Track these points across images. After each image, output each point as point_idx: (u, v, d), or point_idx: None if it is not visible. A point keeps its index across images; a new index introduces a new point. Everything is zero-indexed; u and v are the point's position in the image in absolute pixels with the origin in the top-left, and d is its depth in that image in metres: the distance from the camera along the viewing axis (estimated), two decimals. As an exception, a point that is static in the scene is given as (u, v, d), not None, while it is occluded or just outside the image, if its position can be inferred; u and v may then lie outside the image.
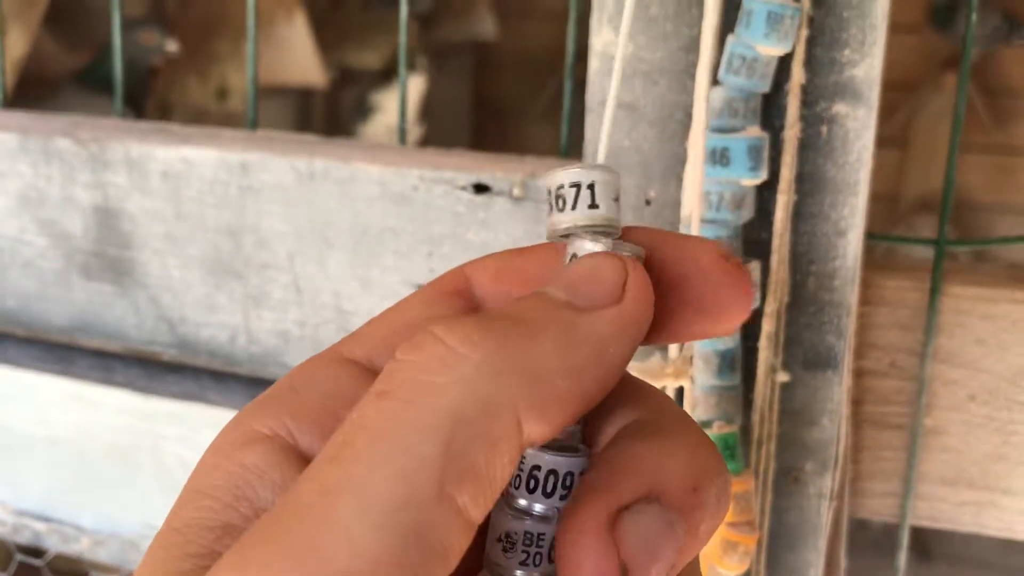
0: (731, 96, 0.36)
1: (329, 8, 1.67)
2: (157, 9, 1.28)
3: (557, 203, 0.19)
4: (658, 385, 0.35)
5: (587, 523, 0.17)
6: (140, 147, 0.47)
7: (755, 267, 0.37)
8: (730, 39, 0.36)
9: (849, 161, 0.37)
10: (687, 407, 0.37)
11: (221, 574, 0.15)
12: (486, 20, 1.85)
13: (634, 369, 0.36)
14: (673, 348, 0.38)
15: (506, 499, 0.18)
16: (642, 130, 0.39)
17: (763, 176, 0.36)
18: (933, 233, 0.42)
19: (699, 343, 0.37)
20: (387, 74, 1.64)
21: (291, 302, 0.46)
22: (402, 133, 0.47)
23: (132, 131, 0.49)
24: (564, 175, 0.19)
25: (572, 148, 0.46)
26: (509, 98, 1.96)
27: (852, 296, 0.38)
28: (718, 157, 0.36)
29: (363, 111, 1.66)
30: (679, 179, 0.39)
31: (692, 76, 0.38)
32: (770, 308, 0.37)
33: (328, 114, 1.70)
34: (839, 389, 0.39)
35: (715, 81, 0.36)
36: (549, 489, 0.18)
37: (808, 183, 0.37)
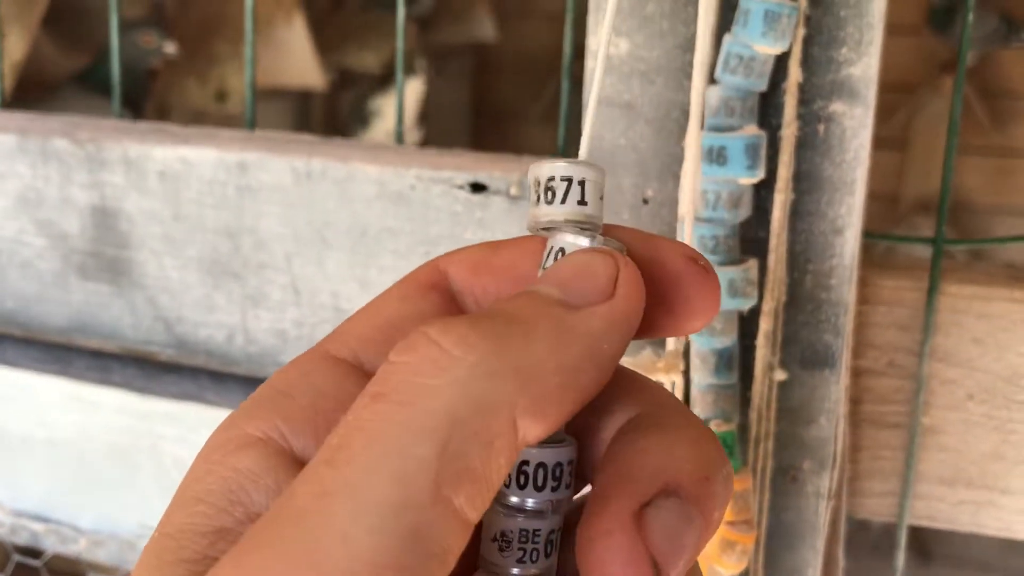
0: (728, 95, 0.36)
1: (328, 10, 1.67)
2: (156, 11, 1.28)
3: (545, 195, 0.19)
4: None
5: (612, 523, 0.17)
6: (138, 147, 0.47)
7: (753, 265, 0.37)
8: (727, 38, 0.36)
9: (846, 160, 0.37)
10: (685, 406, 0.37)
11: (222, 572, 0.15)
12: (485, 22, 1.85)
13: (624, 363, 0.36)
14: (670, 341, 0.38)
15: (497, 498, 0.18)
16: (639, 129, 0.39)
17: (760, 175, 0.36)
18: (932, 234, 0.42)
19: (696, 342, 0.37)
20: (386, 79, 1.64)
21: (289, 302, 0.46)
22: (399, 133, 0.47)
23: (130, 131, 0.49)
24: (555, 168, 0.19)
25: (570, 148, 0.46)
26: (508, 100, 1.96)
27: (850, 295, 0.38)
28: (715, 156, 0.36)
29: (363, 116, 1.66)
30: (676, 178, 0.39)
31: (689, 75, 0.38)
32: (767, 307, 0.37)
33: (327, 116, 1.71)
34: (837, 388, 0.39)
35: (712, 80, 0.36)
36: (540, 483, 0.18)
37: (805, 182, 0.37)
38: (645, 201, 0.40)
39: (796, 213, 0.38)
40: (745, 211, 0.37)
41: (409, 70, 1.63)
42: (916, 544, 1.43)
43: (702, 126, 0.36)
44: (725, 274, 0.36)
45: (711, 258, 0.36)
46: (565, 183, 0.19)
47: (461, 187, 0.42)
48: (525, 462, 0.18)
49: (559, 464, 0.18)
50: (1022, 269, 0.43)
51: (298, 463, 0.18)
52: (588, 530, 0.17)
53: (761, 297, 0.38)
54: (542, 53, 1.79)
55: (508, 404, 0.16)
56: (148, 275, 0.48)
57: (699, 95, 0.36)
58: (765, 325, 0.37)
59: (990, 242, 0.50)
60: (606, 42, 0.20)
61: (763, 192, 0.37)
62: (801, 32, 0.36)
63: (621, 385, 0.19)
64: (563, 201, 0.19)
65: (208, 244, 0.46)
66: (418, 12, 1.73)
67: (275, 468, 0.18)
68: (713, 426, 0.37)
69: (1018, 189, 1.64)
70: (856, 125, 0.37)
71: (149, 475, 0.50)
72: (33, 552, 0.59)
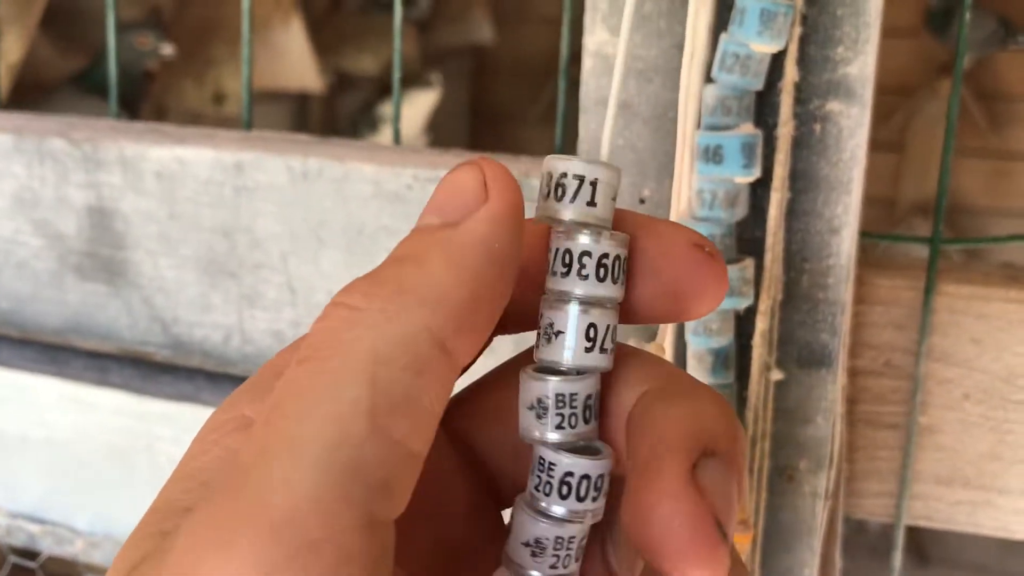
0: (724, 94, 0.36)
1: (326, 13, 1.67)
2: (154, 13, 1.28)
3: (556, 191, 0.19)
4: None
5: (672, 487, 0.17)
6: (134, 147, 0.47)
7: (749, 264, 0.37)
8: (723, 37, 0.36)
9: (843, 159, 0.37)
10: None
11: (176, 539, 0.16)
12: (483, 25, 1.85)
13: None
14: (666, 343, 0.38)
15: (533, 505, 0.19)
16: (636, 128, 0.39)
17: (756, 174, 0.36)
18: (930, 235, 0.42)
19: (693, 341, 0.37)
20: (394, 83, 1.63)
21: (285, 302, 0.46)
22: (396, 133, 0.47)
23: (126, 131, 0.49)
24: (568, 165, 0.19)
25: (567, 148, 0.46)
26: (507, 103, 1.96)
27: (846, 294, 0.38)
28: (711, 155, 0.36)
29: (371, 122, 1.66)
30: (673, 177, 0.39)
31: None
32: (764, 306, 0.37)
33: (325, 119, 1.71)
34: (833, 387, 0.39)
35: (708, 79, 0.36)
36: (583, 493, 0.18)
37: (801, 181, 0.37)
38: (642, 201, 0.40)
39: (792, 212, 0.38)
40: (741, 210, 0.37)
41: (424, 82, 1.63)
42: (913, 546, 1.43)
43: (696, 125, 0.36)
44: (722, 273, 0.36)
45: (708, 257, 0.36)
46: (576, 181, 0.19)
47: (458, 187, 0.42)
48: (569, 473, 0.18)
49: (601, 476, 0.18)
50: (1019, 269, 0.43)
51: None
52: (647, 496, 0.17)
53: (757, 296, 0.37)
54: (540, 56, 1.79)
55: (426, 330, 0.17)
56: (144, 275, 0.48)
57: (686, 92, 0.36)
58: (761, 324, 0.37)
59: (986, 241, 0.50)
60: (625, 42, 0.20)
61: (759, 191, 0.37)
62: (797, 31, 0.36)
63: (626, 363, 0.19)
64: (572, 200, 0.19)
65: (204, 244, 0.46)
66: (416, 15, 1.73)
67: None
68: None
69: (1015, 191, 1.64)
70: (852, 124, 0.37)
71: (145, 476, 0.50)
72: (29, 553, 0.59)
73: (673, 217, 0.38)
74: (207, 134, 0.48)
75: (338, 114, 1.71)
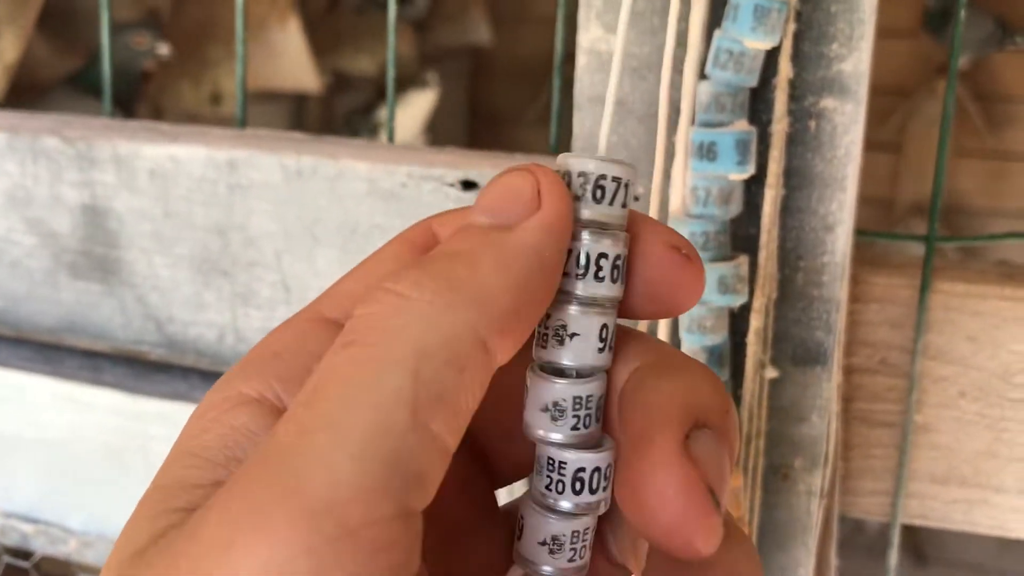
0: (718, 90, 0.36)
1: (323, 13, 1.67)
2: (151, 14, 1.28)
3: (595, 193, 0.19)
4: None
5: (665, 457, 0.17)
6: (128, 145, 0.46)
7: (743, 262, 0.37)
8: (717, 33, 0.35)
9: (837, 156, 0.37)
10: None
11: (210, 514, 0.16)
12: (480, 25, 1.85)
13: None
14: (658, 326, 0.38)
15: (547, 505, 0.19)
16: (630, 125, 0.39)
17: (750, 170, 0.36)
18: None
19: (687, 339, 0.37)
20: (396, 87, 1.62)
21: (279, 300, 0.45)
22: (390, 131, 0.47)
23: (120, 130, 0.49)
24: (586, 164, 0.19)
25: (562, 146, 0.46)
26: (504, 103, 1.96)
27: (841, 291, 0.38)
28: (705, 151, 0.36)
29: (371, 127, 1.66)
30: (667, 174, 0.39)
31: (680, 70, 0.38)
32: (758, 303, 0.37)
33: (323, 119, 1.70)
34: (828, 385, 0.39)
35: (702, 75, 0.36)
36: (595, 485, 0.19)
37: (796, 178, 0.37)
38: (636, 198, 0.40)
39: (787, 209, 0.37)
40: (735, 207, 0.37)
41: (422, 83, 1.63)
42: (911, 545, 1.43)
43: (677, 122, 0.36)
44: (715, 270, 0.36)
45: (702, 254, 0.36)
46: (600, 181, 0.19)
47: (452, 184, 0.42)
48: (581, 468, 0.19)
49: (609, 465, 0.19)
50: (1014, 266, 0.43)
51: None
52: (641, 468, 0.18)
53: (752, 294, 0.37)
54: (538, 56, 1.79)
55: (472, 329, 0.17)
56: (138, 274, 0.48)
57: (666, 88, 0.36)
58: (756, 322, 0.37)
59: (981, 240, 0.49)
60: (621, 40, 0.20)
61: (753, 188, 0.37)
62: (791, 27, 0.36)
63: (619, 341, 0.20)
64: (603, 201, 0.19)
65: (198, 242, 0.46)
66: (413, 15, 1.73)
67: (270, 426, 0.18)
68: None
69: (1013, 192, 1.64)
70: (847, 121, 0.36)
71: (140, 475, 0.50)
72: (23, 553, 0.59)
73: (663, 215, 0.38)
74: (200, 132, 0.48)
75: (335, 114, 1.71)
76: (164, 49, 1.17)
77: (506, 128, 1.96)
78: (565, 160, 0.19)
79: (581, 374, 0.19)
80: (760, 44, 0.35)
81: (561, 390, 0.19)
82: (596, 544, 0.20)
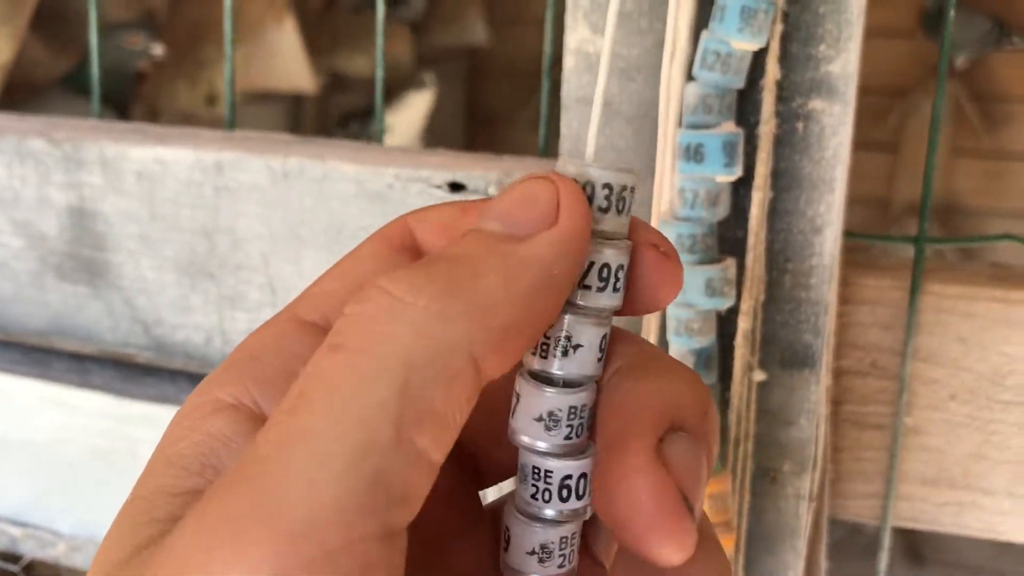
0: (705, 92, 0.35)
1: (320, 13, 1.66)
2: (146, 15, 1.28)
3: (618, 204, 0.18)
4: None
5: (638, 461, 0.17)
6: (114, 147, 0.46)
7: (731, 264, 0.37)
8: (704, 34, 0.35)
9: (825, 157, 0.37)
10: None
11: (186, 529, 0.15)
12: (477, 26, 1.85)
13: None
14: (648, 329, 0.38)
15: (534, 515, 0.19)
16: (618, 127, 0.39)
17: (738, 173, 0.36)
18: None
19: (675, 342, 0.37)
20: (391, 92, 1.62)
21: (266, 303, 0.45)
22: (380, 132, 0.47)
23: (107, 131, 0.48)
24: (619, 176, 0.18)
25: (550, 147, 0.46)
26: (501, 104, 1.96)
27: (830, 294, 0.38)
28: (692, 153, 0.35)
29: (370, 134, 1.65)
30: (639, 176, 0.38)
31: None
32: (746, 306, 0.37)
33: (319, 120, 1.70)
34: (817, 388, 0.39)
35: (690, 77, 0.36)
36: (581, 491, 0.18)
37: (784, 180, 0.37)
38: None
39: (775, 211, 0.37)
40: (723, 210, 0.36)
41: (419, 84, 1.62)
42: (908, 547, 1.43)
43: (676, 124, 0.36)
44: (703, 273, 0.36)
45: (689, 257, 0.36)
46: (606, 190, 0.18)
47: (439, 186, 0.42)
48: (568, 476, 0.18)
49: (591, 469, 0.19)
50: (1005, 268, 0.43)
51: None
52: (614, 472, 0.17)
53: (739, 297, 0.37)
54: (534, 57, 1.79)
55: (464, 342, 0.16)
56: (125, 276, 0.48)
57: (676, 93, 0.36)
58: (744, 325, 0.37)
59: (972, 241, 0.49)
60: (609, 41, 0.20)
61: (741, 190, 0.37)
62: (779, 28, 0.36)
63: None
64: (603, 210, 0.18)
65: (185, 244, 0.46)
66: (410, 16, 1.72)
67: (247, 432, 0.18)
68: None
69: (1010, 192, 1.64)
70: (835, 123, 0.36)
71: (128, 478, 0.50)
72: (11, 557, 0.59)
73: (656, 214, 0.38)
74: (188, 134, 0.48)
75: (332, 115, 1.71)
76: (158, 50, 1.17)
77: (502, 129, 1.96)
78: (567, 167, 0.18)
79: (577, 383, 0.18)
80: (747, 45, 0.35)
81: (557, 400, 0.18)
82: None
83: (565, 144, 0.40)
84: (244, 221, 0.45)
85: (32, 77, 1.14)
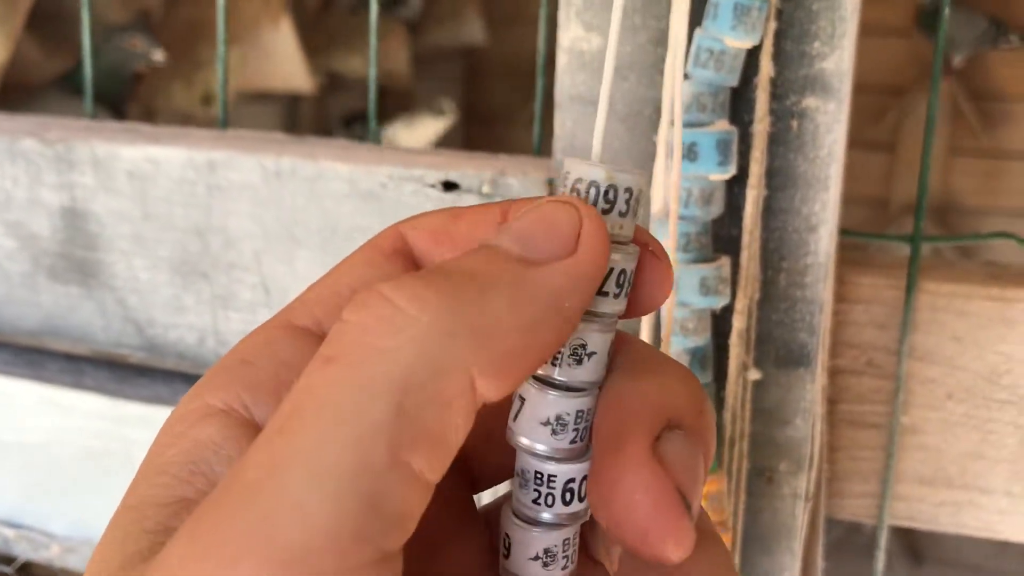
0: (699, 90, 0.35)
1: (316, 13, 1.66)
2: (142, 16, 1.28)
3: (633, 207, 0.18)
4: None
5: (634, 461, 0.17)
6: (106, 147, 0.46)
7: (725, 263, 0.36)
8: (698, 32, 0.35)
9: (820, 155, 0.36)
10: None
11: (174, 551, 0.15)
12: (475, 26, 1.84)
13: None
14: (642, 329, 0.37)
15: (537, 520, 0.18)
16: (611, 125, 0.39)
17: (732, 171, 0.36)
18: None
19: (670, 341, 0.37)
20: (391, 94, 1.61)
21: (259, 303, 0.45)
22: (375, 132, 0.47)
23: (98, 131, 0.48)
24: (627, 179, 0.18)
25: (544, 146, 0.46)
26: (498, 104, 1.96)
27: (825, 292, 0.38)
28: (686, 152, 0.35)
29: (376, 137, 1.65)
30: (650, 175, 0.38)
31: (661, 70, 0.37)
32: (741, 305, 0.37)
33: (317, 120, 1.70)
34: (812, 387, 0.38)
35: (684, 75, 0.36)
36: (583, 493, 0.18)
37: (778, 178, 0.37)
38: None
39: (769, 210, 0.37)
40: (717, 208, 0.36)
41: (436, 109, 1.62)
42: (907, 546, 1.43)
43: (670, 123, 0.36)
44: (697, 272, 0.36)
45: (683, 256, 0.36)
46: (602, 190, 0.18)
47: (433, 185, 0.41)
48: (571, 479, 0.18)
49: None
50: (1001, 266, 0.43)
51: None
52: (610, 472, 0.17)
53: (734, 295, 0.37)
54: (532, 57, 1.79)
55: (465, 364, 0.15)
56: (118, 276, 0.48)
57: (670, 89, 0.36)
58: (738, 324, 0.37)
59: (967, 239, 0.49)
60: (614, 40, 0.20)
61: (736, 189, 0.37)
62: (772, 26, 0.35)
63: None
64: (621, 213, 0.18)
65: (178, 244, 0.46)
66: (407, 15, 1.72)
67: (237, 438, 0.18)
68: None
69: (1008, 191, 1.64)
70: (830, 120, 0.36)
71: (122, 479, 0.50)
72: (5, 559, 0.58)
73: (652, 214, 0.37)
74: (180, 133, 0.48)
75: (331, 116, 1.70)
76: (159, 55, 1.17)
77: (500, 128, 1.95)
78: (574, 166, 0.18)
79: (585, 387, 0.18)
80: (741, 43, 0.35)
81: (566, 404, 0.18)
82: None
83: (559, 143, 0.40)
84: (237, 220, 0.44)
85: (28, 77, 1.14)
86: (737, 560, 0.40)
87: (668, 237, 0.36)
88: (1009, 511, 0.42)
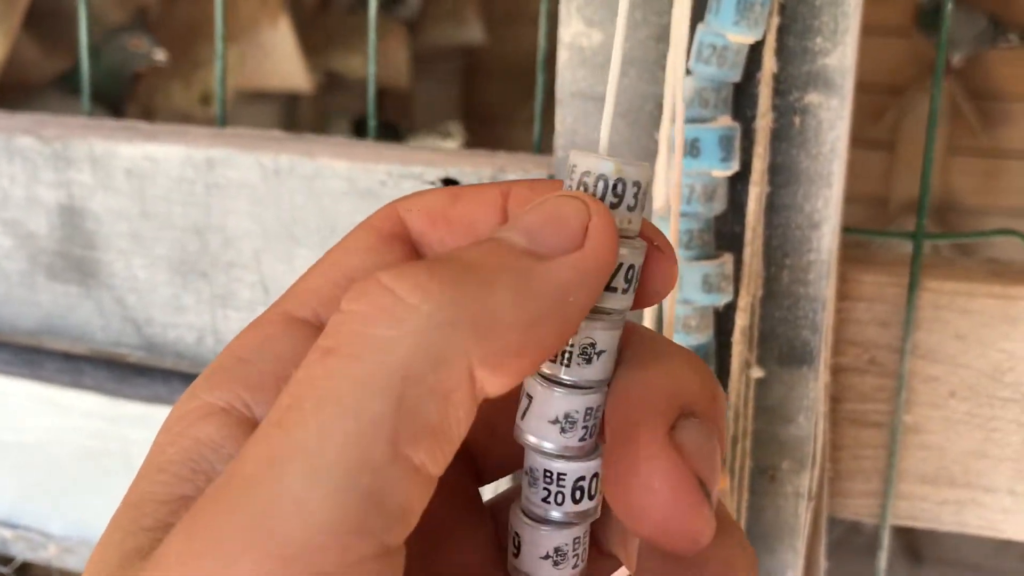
0: (702, 86, 0.35)
1: (315, 12, 1.66)
2: (141, 15, 1.27)
3: (641, 200, 0.18)
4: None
5: (652, 449, 0.16)
6: (104, 144, 0.46)
7: (728, 260, 0.36)
8: (700, 27, 0.35)
9: (823, 152, 0.36)
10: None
11: (172, 548, 0.15)
12: (474, 25, 1.84)
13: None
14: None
15: (548, 519, 0.18)
16: (613, 121, 0.38)
17: (734, 167, 0.35)
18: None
19: (673, 338, 0.36)
20: (392, 95, 1.61)
21: (258, 301, 0.45)
22: (371, 129, 0.47)
23: (96, 129, 0.48)
24: (597, 164, 0.17)
25: (544, 143, 0.45)
26: (498, 102, 1.96)
27: (827, 290, 0.38)
28: (688, 148, 0.35)
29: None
30: (652, 171, 0.38)
31: (663, 66, 0.37)
32: (743, 302, 0.37)
33: (315, 120, 1.70)
34: (815, 385, 0.38)
35: (686, 71, 0.35)
36: (593, 491, 0.18)
37: (781, 174, 0.37)
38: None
39: (772, 207, 0.37)
40: (720, 204, 0.36)
41: (443, 131, 1.62)
42: (907, 545, 1.43)
43: (673, 119, 0.35)
44: (700, 269, 0.35)
45: (685, 253, 0.35)
46: (610, 184, 0.17)
47: (432, 183, 0.41)
48: (582, 478, 0.18)
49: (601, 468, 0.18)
50: (1003, 264, 0.43)
51: None
52: (627, 463, 0.17)
53: (737, 293, 0.37)
54: (531, 55, 1.78)
55: (465, 356, 0.15)
56: (116, 275, 0.47)
57: (672, 85, 0.35)
58: (741, 321, 0.37)
59: (969, 236, 0.49)
60: (621, 36, 0.19)
61: (738, 185, 0.36)
62: (775, 21, 0.35)
63: None
64: (630, 208, 0.18)
65: (176, 242, 0.46)
66: (406, 15, 1.72)
67: (237, 436, 0.17)
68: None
69: (1007, 190, 1.64)
70: (832, 117, 0.36)
71: (120, 479, 0.49)
72: (3, 559, 0.58)
73: (655, 210, 0.37)
74: (178, 131, 0.47)
75: (329, 116, 1.70)
76: (160, 55, 1.16)
77: (500, 127, 1.95)
78: (580, 159, 0.18)
79: (594, 385, 0.18)
80: (743, 38, 0.34)
81: (575, 402, 0.18)
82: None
83: (560, 139, 0.40)
84: (235, 219, 0.44)
85: (26, 77, 1.14)
86: (739, 559, 0.39)
87: (670, 234, 0.35)
88: (1013, 510, 0.42)
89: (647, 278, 0.18)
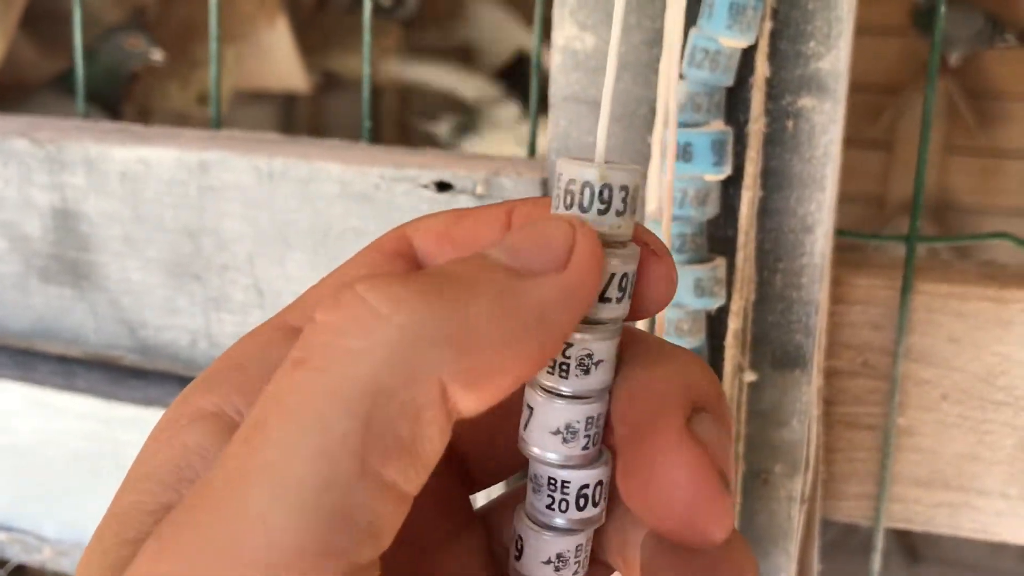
0: (694, 90, 0.35)
1: (312, 12, 1.66)
2: (137, 15, 1.27)
3: (631, 205, 0.18)
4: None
5: (672, 440, 0.16)
6: (97, 147, 0.46)
7: (721, 264, 0.36)
8: (693, 32, 0.35)
9: (816, 156, 0.36)
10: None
11: (140, 568, 0.15)
12: (473, 26, 1.84)
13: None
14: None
15: (551, 525, 0.18)
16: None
17: (727, 171, 0.35)
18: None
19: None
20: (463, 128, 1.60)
21: (252, 304, 0.45)
22: (366, 131, 0.47)
23: (90, 131, 0.48)
24: (584, 172, 0.17)
25: (537, 146, 0.45)
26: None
27: (821, 293, 0.38)
28: (681, 152, 0.35)
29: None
30: (644, 175, 0.38)
31: (656, 70, 0.37)
32: (736, 306, 0.37)
33: (313, 120, 1.70)
34: (808, 389, 0.38)
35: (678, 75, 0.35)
36: (597, 498, 0.18)
37: (774, 178, 0.37)
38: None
39: (765, 210, 0.37)
40: (712, 209, 0.36)
41: (464, 130, 1.61)
42: (905, 545, 1.43)
43: (666, 124, 0.35)
44: (692, 273, 0.35)
45: (678, 257, 0.35)
46: (623, 192, 0.17)
47: (426, 186, 0.41)
48: (586, 485, 0.18)
49: (608, 475, 0.18)
50: (997, 267, 0.43)
51: None
52: (646, 457, 0.17)
53: (729, 296, 0.37)
54: (530, 57, 1.78)
55: (437, 372, 0.15)
56: (110, 278, 0.47)
57: (665, 89, 0.35)
58: (734, 325, 0.37)
59: (964, 239, 0.49)
60: (616, 38, 0.19)
61: (731, 189, 0.36)
62: (768, 25, 0.35)
63: None
64: (619, 213, 0.17)
65: (170, 245, 0.45)
66: (403, 15, 1.72)
67: (225, 442, 0.17)
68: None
69: (1004, 190, 1.64)
70: (825, 120, 0.36)
71: (113, 482, 0.49)
72: (-2, 561, 0.58)
73: (647, 214, 0.37)
74: (171, 134, 0.47)
75: (327, 115, 1.70)
76: (157, 55, 1.16)
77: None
78: (569, 165, 0.18)
79: (594, 394, 0.18)
80: (736, 42, 0.34)
81: (575, 412, 0.18)
82: None
83: (553, 143, 0.40)
84: (229, 221, 0.44)
85: (23, 77, 1.13)
86: (733, 563, 0.39)
87: (663, 238, 0.35)
88: (1006, 512, 0.42)
89: (646, 286, 0.18)
